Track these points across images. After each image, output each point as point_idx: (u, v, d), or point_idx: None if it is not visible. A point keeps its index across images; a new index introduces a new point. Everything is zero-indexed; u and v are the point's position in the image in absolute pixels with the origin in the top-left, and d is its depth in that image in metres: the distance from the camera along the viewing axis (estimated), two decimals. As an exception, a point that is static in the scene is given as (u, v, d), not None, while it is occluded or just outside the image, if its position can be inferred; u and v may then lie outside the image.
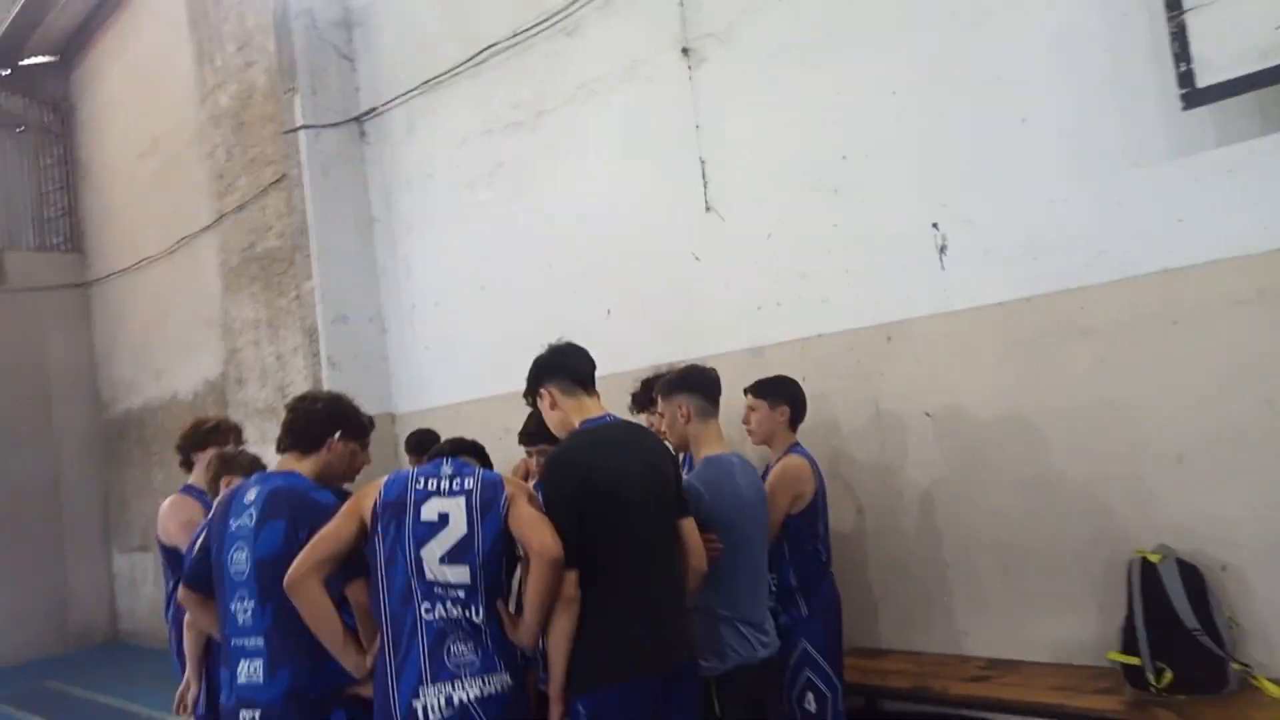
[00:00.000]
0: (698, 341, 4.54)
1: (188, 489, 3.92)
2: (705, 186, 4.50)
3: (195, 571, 2.95)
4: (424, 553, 2.50)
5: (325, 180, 6.26)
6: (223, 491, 3.25)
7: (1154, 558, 3.08)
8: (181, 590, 2.97)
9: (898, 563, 3.89)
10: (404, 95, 6.05)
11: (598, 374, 4.82)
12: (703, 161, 4.50)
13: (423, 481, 2.60)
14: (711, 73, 4.45)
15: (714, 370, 3.20)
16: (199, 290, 8.23)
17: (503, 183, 5.53)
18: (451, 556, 2.50)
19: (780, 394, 3.47)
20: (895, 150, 3.83)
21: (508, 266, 5.53)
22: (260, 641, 2.65)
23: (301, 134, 6.23)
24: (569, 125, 5.14)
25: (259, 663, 2.63)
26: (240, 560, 2.70)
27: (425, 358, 6.11)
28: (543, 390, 2.85)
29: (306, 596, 2.49)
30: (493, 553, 2.55)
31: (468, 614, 2.49)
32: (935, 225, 3.74)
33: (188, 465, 3.96)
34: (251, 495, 2.77)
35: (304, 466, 2.86)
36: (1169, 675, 2.98)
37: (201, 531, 3.16)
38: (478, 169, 5.67)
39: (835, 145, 4.02)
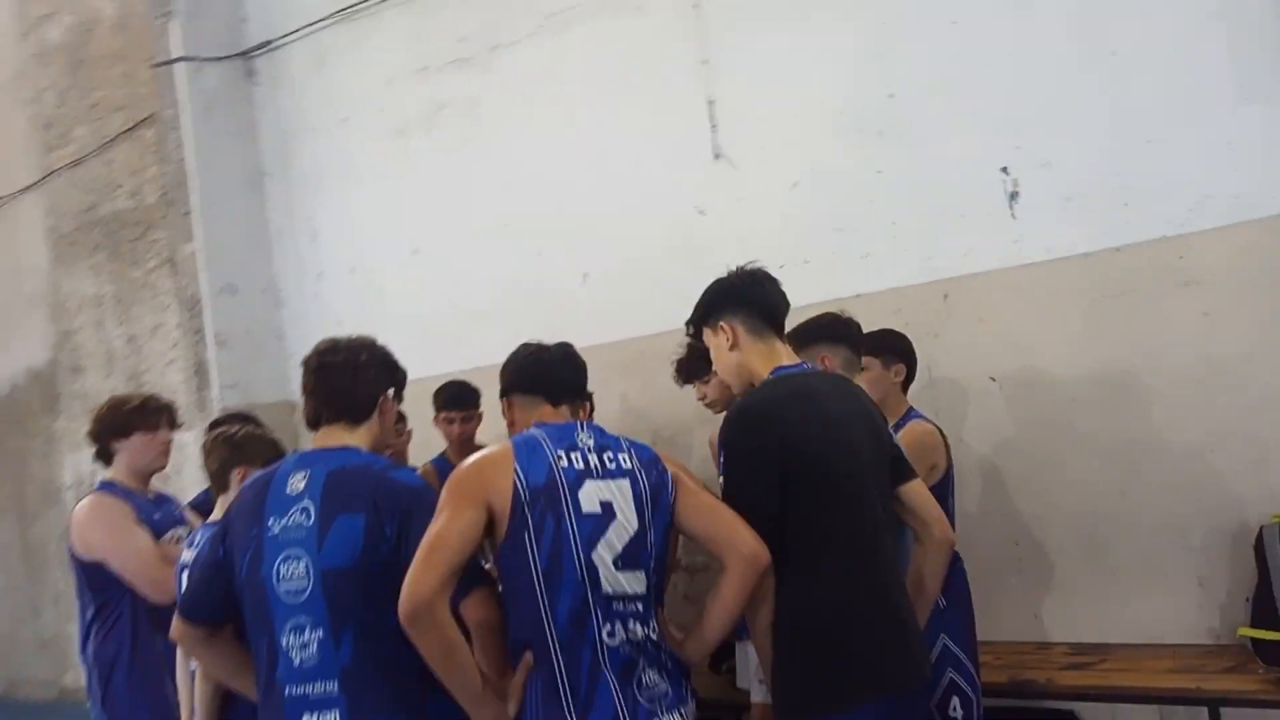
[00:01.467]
0: (703, 305, 4.02)
1: (108, 486, 3.02)
2: (714, 131, 3.99)
3: (197, 598, 2.15)
4: (595, 557, 1.87)
5: (207, 125, 5.28)
6: (235, 487, 2.47)
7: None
8: (178, 627, 2.14)
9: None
10: (310, 27, 5.16)
11: (580, 344, 4.27)
12: (710, 103, 3.98)
13: (566, 456, 1.95)
14: (720, 2, 3.95)
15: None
16: (18, 263, 6.89)
17: (444, 129, 4.79)
18: (626, 561, 1.90)
19: (894, 350, 3.02)
20: (955, 88, 3.46)
21: (450, 226, 4.79)
22: (334, 686, 1.94)
23: (179, 68, 5.22)
24: (534, 62, 4.48)
25: (333, 717, 1.92)
26: (295, 574, 1.98)
27: (335, 334, 5.23)
28: (723, 324, 2.21)
29: (436, 627, 1.78)
30: (663, 553, 1.98)
31: (648, 631, 1.90)
32: (1005, 170, 3.39)
33: (106, 457, 3.06)
34: (300, 483, 2.03)
35: (357, 439, 2.14)
36: (1315, 648, 2.74)
37: (198, 542, 2.43)
38: (410, 113, 4.89)
39: (880, 82, 3.61)
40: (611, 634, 1.84)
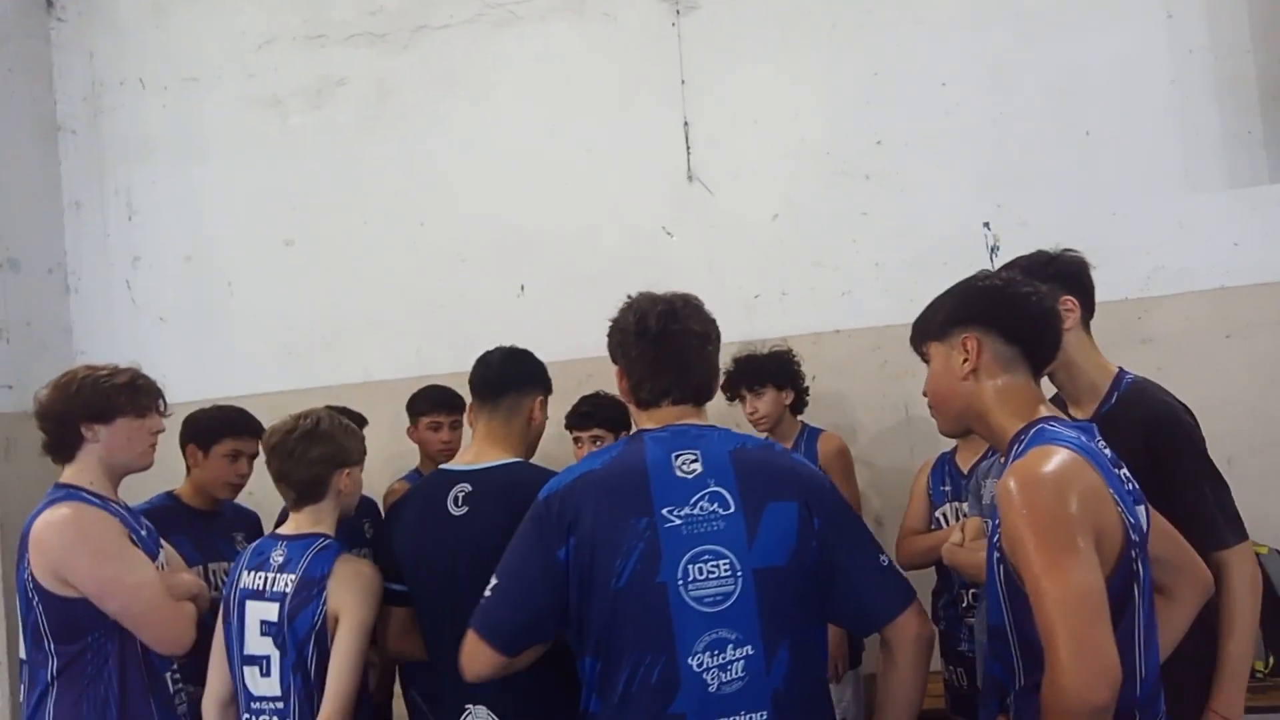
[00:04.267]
0: (663, 330, 3.86)
1: (74, 492, 2.18)
2: (688, 152, 3.88)
3: (525, 621, 1.70)
4: None
5: (1, 58, 4.15)
6: (333, 493, 2.18)
7: (1261, 549, 3.29)
8: (485, 659, 1.67)
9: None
10: (152, -38, 4.30)
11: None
12: (686, 124, 3.88)
13: None
14: (704, 24, 3.87)
15: None
16: None
17: (341, 106, 4.18)
18: None
19: None
20: (943, 143, 3.69)
21: (339, 218, 4.16)
22: (764, 718, 1.57)
23: (-40, -21, 4.08)
24: (467, 51, 4.07)
25: None
26: (713, 576, 1.59)
27: (156, 333, 4.30)
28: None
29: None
30: None
31: None
32: (987, 225, 3.66)
33: (65, 450, 2.23)
34: (693, 465, 1.67)
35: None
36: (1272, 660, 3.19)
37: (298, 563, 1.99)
38: (294, 83, 4.21)
39: (868, 128, 3.75)
40: None
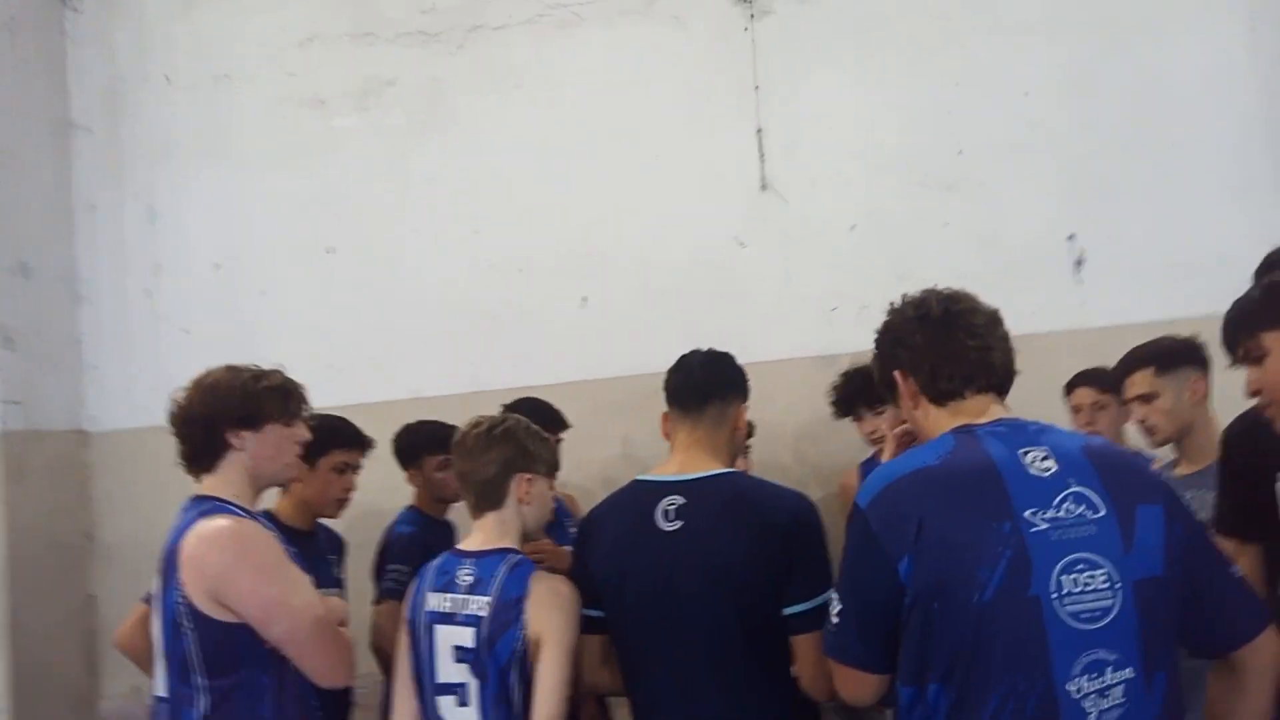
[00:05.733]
0: (736, 342, 3.63)
1: (221, 506, 1.91)
2: (761, 160, 3.74)
3: (879, 637, 1.51)
4: None
5: (13, 50, 3.84)
6: (513, 499, 1.99)
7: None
8: (855, 677, 1.53)
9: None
10: (183, -47, 4.05)
11: (567, 379, 3.75)
12: (759, 131, 3.75)
13: None
14: (778, 30, 3.77)
15: None
16: None
17: (390, 108, 3.96)
18: None
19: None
20: (1025, 153, 3.63)
21: (387, 224, 3.92)
22: None
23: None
24: (526, 53, 3.90)
25: None
26: (1090, 588, 1.39)
27: (179, 346, 3.98)
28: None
29: None
30: None
31: None
32: (1072, 237, 3.59)
33: (205, 459, 1.96)
34: (1047, 462, 1.47)
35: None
36: None
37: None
38: (338, 84, 3.98)
39: (949, 138, 3.67)
40: None
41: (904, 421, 1.75)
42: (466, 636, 1.85)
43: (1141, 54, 3.60)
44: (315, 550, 2.60)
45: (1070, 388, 2.99)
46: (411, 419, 3.27)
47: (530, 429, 2.02)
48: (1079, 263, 3.59)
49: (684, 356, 2.12)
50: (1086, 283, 3.59)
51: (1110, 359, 3.40)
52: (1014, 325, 3.36)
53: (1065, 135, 3.62)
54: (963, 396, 1.59)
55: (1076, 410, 2.93)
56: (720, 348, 3.82)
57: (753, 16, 3.77)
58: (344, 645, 1.90)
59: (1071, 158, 3.61)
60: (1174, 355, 2.58)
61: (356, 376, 3.87)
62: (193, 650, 1.82)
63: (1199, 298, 3.41)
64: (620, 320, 3.76)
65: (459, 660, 1.85)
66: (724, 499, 1.87)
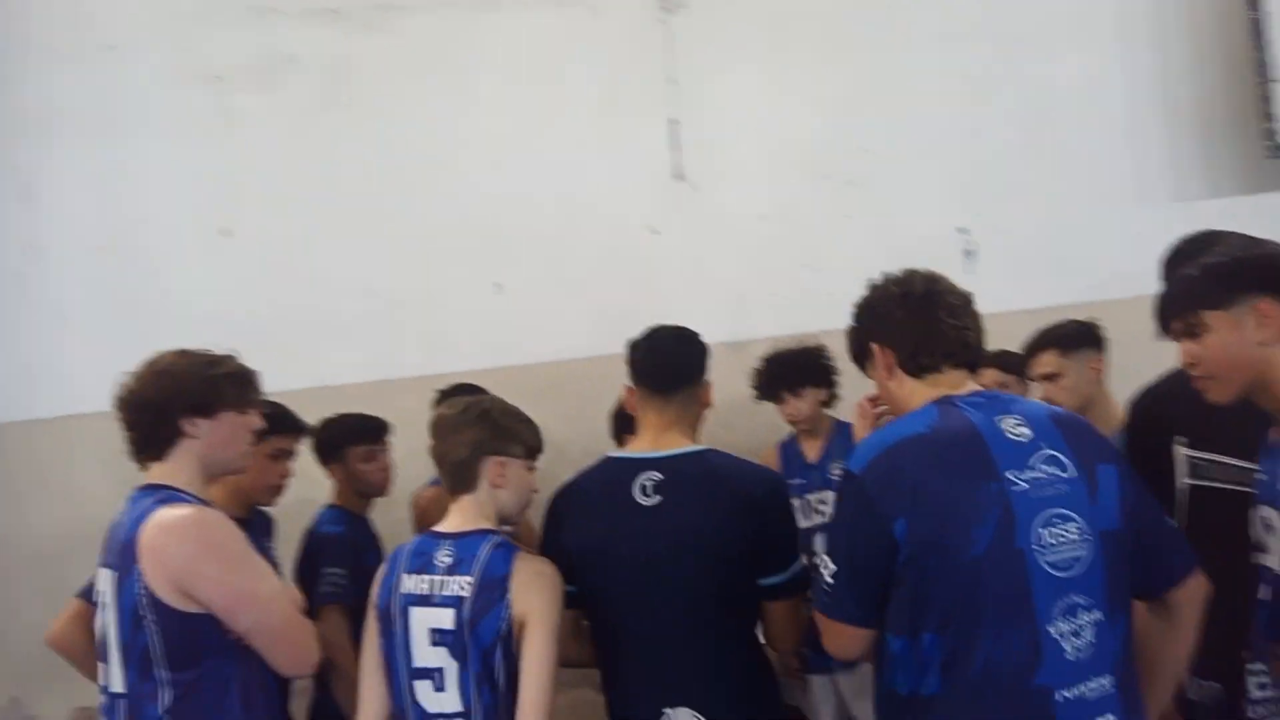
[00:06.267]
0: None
1: (175, 495, 1.81)
2: (676, 151, 3.82)
3: (870, 592, 1.61)
4: None
5: None
6: (484, 482, 1.98)
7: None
8: (846, 632, 1.60)
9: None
10: (61, -85, 3.80)
11: (480, 365, 3.76)
12: (674, 122, 3.82)
13: None
14: (692, 24, 3.84)
15: None
16: None
17: (292, 87, 3.81)
18: None
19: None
20: (924, 152, 3.83)
21: (288, 207, 3.78)
22: (1109, 683, 1.52)
23: None
24: (438, 34, 3.84)
25: None
26: (1065, 540, 1.53)
27: (56, 333, 3.73)
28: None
29: None
30: None
31: None
32: (963, 230, 3.82)
33: (156, 446, 1.86)
34: (1021, 428, 1.60)
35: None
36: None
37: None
38: (236, 58, 3.81)
39: (852, 136, 3.84)
40: None
41: (875, 399, 1.85)
42: (445, 618, 1.82)
43: (1026, 65, 3.86)
44: (254, 536, 2.49)
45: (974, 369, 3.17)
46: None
47: (508, 410, 2.00)
48: (969, 253, 3.83)
49: (652, 335, 2.14)
50: (977, 273, 3.81)
51: (999, 341, 3.60)
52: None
53: (958, 137, 3.84)
54: (940, 370, 1.70)
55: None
56: (632, 333, 3.90)
57: (668, 10, 3.84)
58: (310, 634, 1.85)
59: (964, 158, 3.84)
60: (1076, 337, 2.81)
61: (256, 365, 3.68)
62: (155, 643, 1.73)
63: (1077, 286, 3.72)
64: (536, 307, 3.75)
65: (436, 644, 1.82)
66: (701, 475, 1.93)
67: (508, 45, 3.84)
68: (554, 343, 3.73)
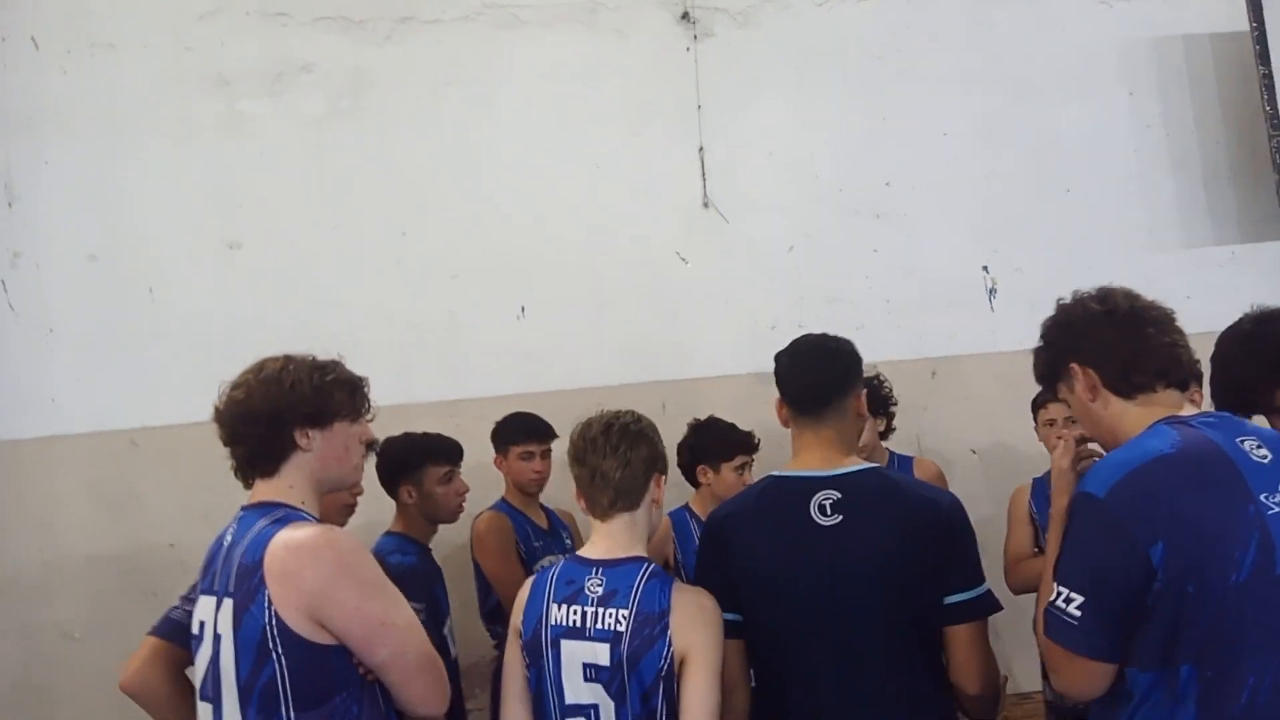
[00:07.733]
0: (677, 357, 3.70)
1: (295, 513, 1.67)
2: (703, 179, 3.76)
3: (1115, 627, 1.50)
4: None
5: None
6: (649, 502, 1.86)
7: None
8: (1093, 668, 1.49)
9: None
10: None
11: (504, 391, 3.66)
12: (702, 150, 3.77)
13: None
14: (719, 53, 3.82)
15: None
16: None
17: (306, 95, 3.65)
18: None
19: None
20: (945, 190, 3.86)
21: (301, 219, 3.60)
22: None
23: None
24: (462, 50, 3.73)
25: None
26: None
27: (42, 348, 3.45)
28: None
29: None
30: None
31: None
32: (986, 268, 3.85)
33: (268, 462, 1.71)
34: (1263, 450, 1.54)
35: None
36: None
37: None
38: (246, 63, 3.63)
39: (878, 171, 3.85)
40: None
41: (1051, 422, 1.79)
42: (600, 653, 1.69)
43: (1038, 111, 3.93)
44: None
45: (1041, 404, 3.18)
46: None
47: (654, 427, 1.90)
48: (992, 292, 3.86)
49: (794, 350, 2.04)
50: (998, 311, 3.86)
51: (1021, 380, 3.66)
52: (935, 348, 3.61)
53: (976, 176, 3.89)
54: (1154, 390, 1.62)
55: (1050, 424, 3.12)
56: (659, 363, 3.79)
57: (695, 37, 3.80)
58: (443, 670, 1.69)
59: (982, 197, 3.88)
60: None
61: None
62: (281, 679, 1.54)
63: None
64: (560, 332, 3.64)
65: (589, 679, 1.69)
66: (880, 493, 1.84)
67: (530, 64, 3.75)
68: (580, 370, 3.61)
